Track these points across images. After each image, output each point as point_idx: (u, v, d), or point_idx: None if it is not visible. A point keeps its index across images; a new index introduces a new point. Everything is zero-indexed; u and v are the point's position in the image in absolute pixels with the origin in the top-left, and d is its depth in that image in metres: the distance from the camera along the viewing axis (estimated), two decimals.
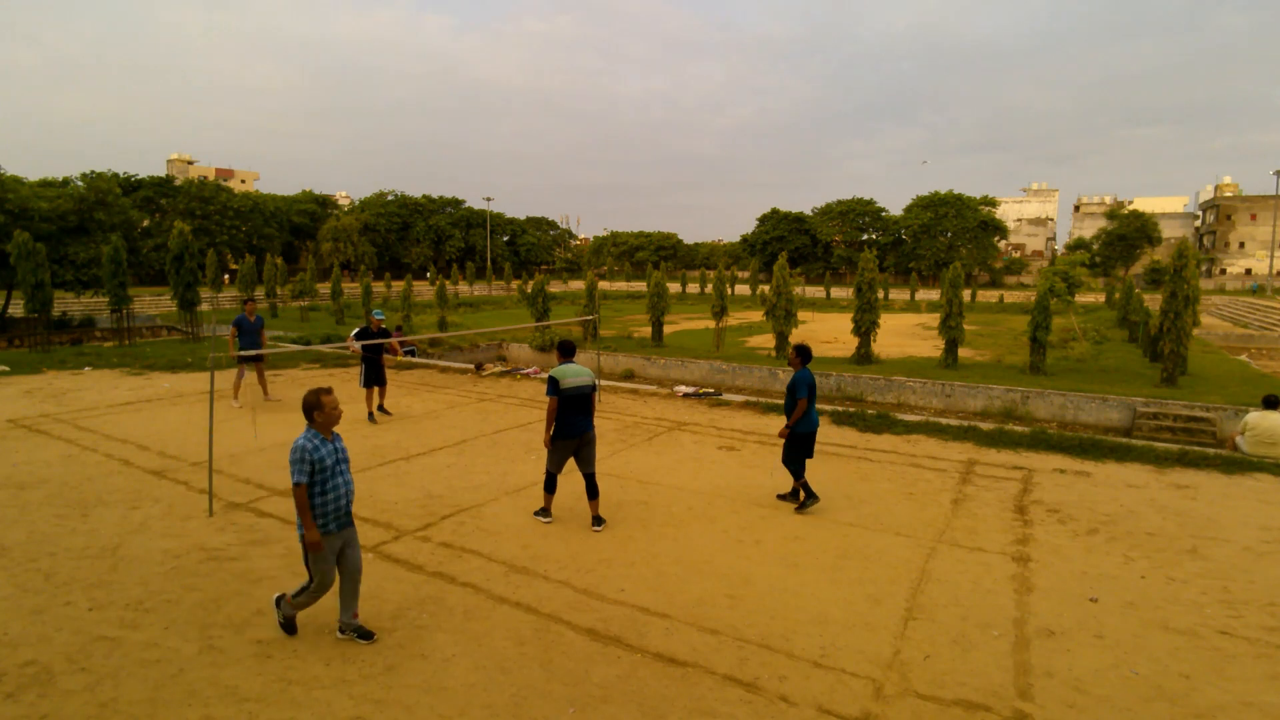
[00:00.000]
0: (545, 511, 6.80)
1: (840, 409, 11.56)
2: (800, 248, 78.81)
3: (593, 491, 6.68)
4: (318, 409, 4.72)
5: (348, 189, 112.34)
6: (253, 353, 10.14)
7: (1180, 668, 4.33)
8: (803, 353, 7.25)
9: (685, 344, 24.03)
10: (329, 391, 4.71)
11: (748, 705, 3.94)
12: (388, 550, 6.03)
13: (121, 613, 4.92)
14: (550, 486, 6.77)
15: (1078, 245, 79.06)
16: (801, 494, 7.07)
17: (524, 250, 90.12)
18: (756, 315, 34.50)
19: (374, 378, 10.99)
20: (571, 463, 6.79)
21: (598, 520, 6.62)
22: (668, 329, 26.46)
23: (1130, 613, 5.01)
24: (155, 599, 5.12)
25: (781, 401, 12.13)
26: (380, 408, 11.21)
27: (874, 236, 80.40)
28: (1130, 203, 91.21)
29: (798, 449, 7.06)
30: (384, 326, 11.38)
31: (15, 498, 7.26)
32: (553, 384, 6.57)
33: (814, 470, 8.44)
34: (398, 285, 45.78)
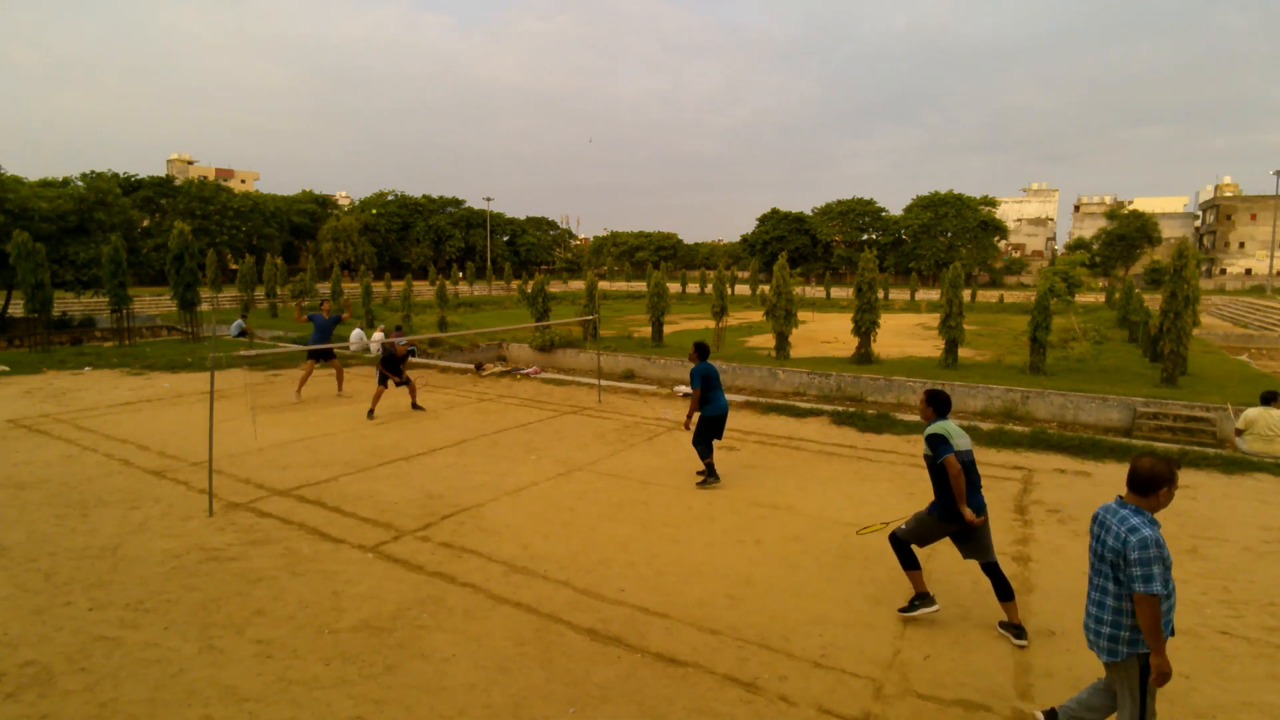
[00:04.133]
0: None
1: (840, 409, 11.56)
2: (800, 248, 78.76)
3: None
4: (1169, 485, 3.18)
5: (348, 189, 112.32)
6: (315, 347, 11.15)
7: (1180, 668, 4.32)
8: (700, 349, 8.14)
9: (685, 344, 24.01)
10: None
11: (748, 705, 3.94)
12: (388, 550, 6.03)
13: (121, 613, 4.92)
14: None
15: (1078, 245, 79.01)
16: (706, 474, 7.87)
17: (524, 250, 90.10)
18: (756, 315, 34.47)
19: (397, 379, 11.75)
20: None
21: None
22: (668, 329, 26.45)
23: None
24: (155, 599, 5.12)
25: (781, 402, 12.17)
26: (414, 405, 11.84)
27: (874, 236, 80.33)
28: (1130, 203, 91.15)
29: (704, 431, 7.83)
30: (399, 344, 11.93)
31: (15, 498, 7.26)
32: (943, 444, 4.74)
33: (815, 470, 8.46)
34: (398, 285, 45.77)
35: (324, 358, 13.33)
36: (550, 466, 8.56)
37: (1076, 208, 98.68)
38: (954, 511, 4.67)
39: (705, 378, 7.83)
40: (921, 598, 4.87)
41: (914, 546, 4.92)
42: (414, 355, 18.92)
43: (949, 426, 4.80)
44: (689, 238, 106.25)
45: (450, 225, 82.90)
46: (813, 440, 9.87)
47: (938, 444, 4.71)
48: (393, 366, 11.49)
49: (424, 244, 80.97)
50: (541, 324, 20.94)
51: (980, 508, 4.73)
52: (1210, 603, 5.16)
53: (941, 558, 5.92)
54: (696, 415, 7.91)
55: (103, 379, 14.61)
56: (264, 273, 38.47)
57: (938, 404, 4.95)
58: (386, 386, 11.49)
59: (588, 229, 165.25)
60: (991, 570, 4.75)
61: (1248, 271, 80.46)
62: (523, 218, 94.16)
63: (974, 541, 4.77)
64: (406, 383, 11.76)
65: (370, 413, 11.20)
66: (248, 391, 12.69)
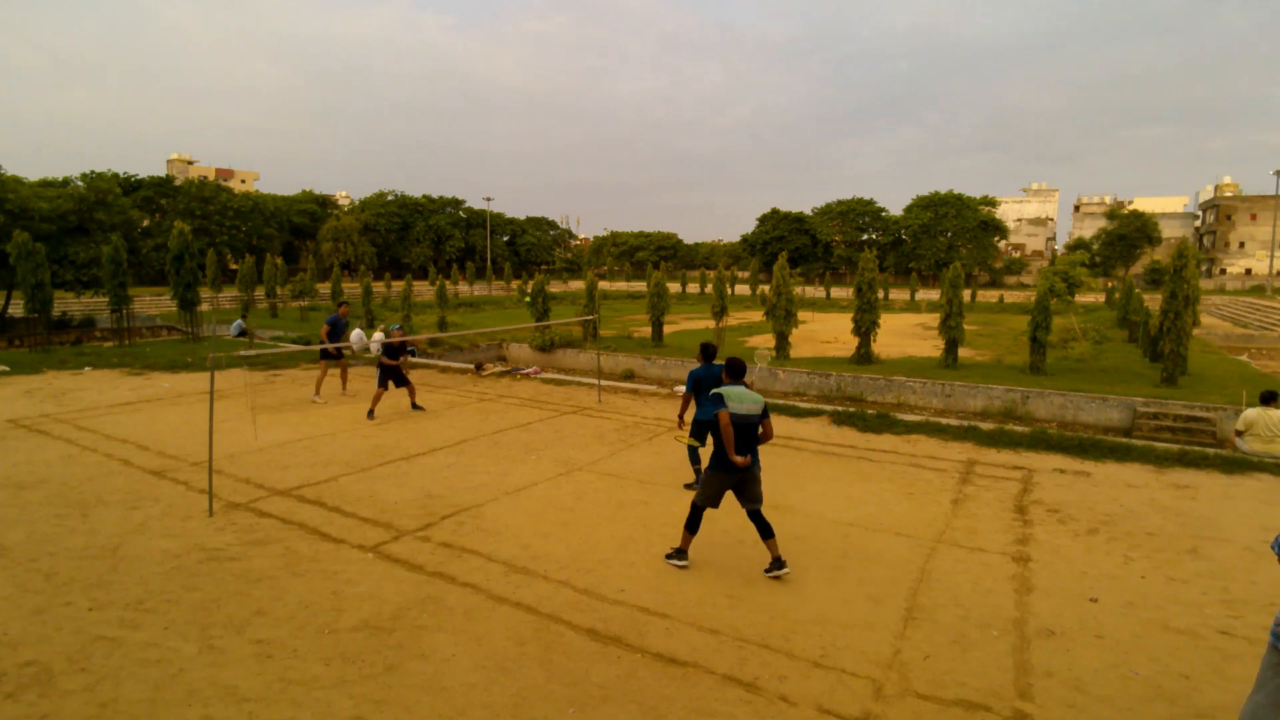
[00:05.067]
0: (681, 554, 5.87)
1: (840, 409, 11.56)
2: (800, 248, 78.75)
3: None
4: None
5: (348, 189, 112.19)
6: (333, 346, 11.27)
7: (1180, 668, 4.33)
8: (703, 351, 7.97)
9: (685, 344, 24.01)
10: None
11: (748, 705, 3.94)
12: (388, 550, 6.03)
13: (121, 613, 4.92)
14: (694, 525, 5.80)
15: (1078, 245, 79.03)
16: (695, 482, 7.70)
17: (524, 250, 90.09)
18: (756, 315, 34.47)
19: (396, 379, 11.68)
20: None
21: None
22: (668, 329, 26.44)
23: (1130, 613, 5.01)
24: (155, 599, 5.12)
25: (781, 402, 12.18)
26: (414, 405, 11.86)
27: (874, 236, 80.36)
28: (1130, 203, 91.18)
29: (695, 436, 7.72)
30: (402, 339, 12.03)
31: (15, 498, 7.26)
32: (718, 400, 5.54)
33: (815, 470, 8.46)
34: (398, 285, 45.78)
35: (335, 357, 13.40)
36: (550, 466, 8.56)
37: (1076, 208, 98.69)
38: (725, 461, 5.48)
39: (697, 381, 7.67)
40: (681, 553, 5.75)
41: (706, 510, 5.73)
42: (413, 355, 18.91)
43: (732, 390, 5.58)
44: (689, 238, 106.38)
45: (450, 225, 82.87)
46: (813, 440, 9.86)
47: (714, 400, 5.54)
48: (390, 357, 11.41)
49: (424, 244, 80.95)
50: (541, 324, 20.95)
51: (752, 463, 5.58)
52: (1210, 603, 5.16)
53: (941, 559, 5.93)
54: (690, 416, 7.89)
55: (103, 379, 14.61)
56: (264, 273, 38.43)
57: (731, 370, 5.86)
58: (386, 388, 11.44)
59: (588, 229, 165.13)
60: (756, 516, 5.63)
61: (1248, 271, 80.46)
62: (523, 218, 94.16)
63: (747, 491, 5.62)
64: (406, 383, 11.72)
65: (370, 413, 11.18)
66: (248, 391, 12.69)
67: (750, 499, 5.64)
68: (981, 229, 74.47)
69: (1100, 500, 7.38)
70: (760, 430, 5.65)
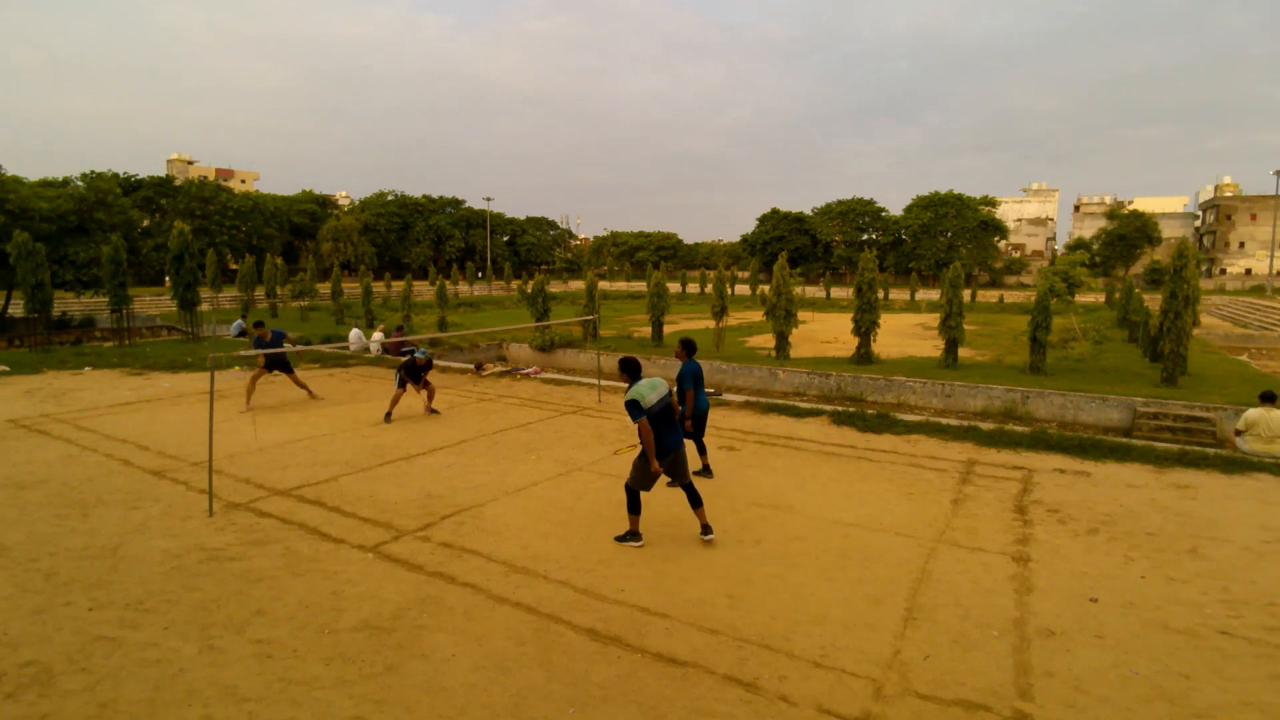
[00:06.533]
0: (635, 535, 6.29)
1: (840, 409, 11.56)
2: (800, 248, 78.76)
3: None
4: None
5: (348, 189, 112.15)
6: (269, 351, 10.50)
7: (1180, 668, 4.33)
8: (687, 346, 8.17)
9: None
10: None
11: (748, 705, 3.94)
12: (388, 550, 6.03)
13: (121, 613, 4.92)
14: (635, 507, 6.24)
15: (1078, 245, 79.03)
16: (703, 464, 8.15)
17: (524, 250, 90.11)
18: (756, 315, 34.47)
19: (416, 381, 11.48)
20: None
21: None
22: (668, 329, 26.43)
23: (1130, 613, 5.01)
24: (155, 599, 5.12)
25: (781, 402, 12.17)
26: (430, 409, 11.63)
27: (874, 236, 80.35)
28: (1130, 203, 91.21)
29: (694, 428, 8.06)
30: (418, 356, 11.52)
31: (15, 498, 7.27)
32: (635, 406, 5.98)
33: (815, 470, 8.46)
34: (398, 285, 45.79)
35: (279, 368, 12.71)
36: (550, 466, 8.56)
37: (1076, 208, 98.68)
38: (656, 453, 5.98)
39: (696, 377, 8.00)
40: (634, 535, 6.15)
41: (641, 494, 6.16)
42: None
43: (640, 389, 5.96)
44: (689, 238, 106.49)
45: (450, 225, 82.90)
46: (813, 440, 9.86)
47: (631, 409, 5.88)
48: (414, 375, 11.29)
49: (424, 244, 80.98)
50: (541, 324, 20.95)
51: (678, 443, 6.13)
52: (1210, 603, 5.16)
53: (941, 559, 5.93)
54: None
55: (103, 379, 14.61)
56: (264, 273, 38.44)
57: (629, 370, 6.29)
58: (405, 389, 11.25)
59: (588, 229, 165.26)
60: (688, 489, 6.21)
61: (1248, 271, 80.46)
62: (523, 218, 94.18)
63: (676, 470, 6.16)
64: (425, 385, 11.51)
65: (388, 415, 10.98)
66: (247, 391, 12.67)
67: (680, 476, 6.20)
68: (981, 229, 74.45)
69: (1100, 500, 7.38)
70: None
